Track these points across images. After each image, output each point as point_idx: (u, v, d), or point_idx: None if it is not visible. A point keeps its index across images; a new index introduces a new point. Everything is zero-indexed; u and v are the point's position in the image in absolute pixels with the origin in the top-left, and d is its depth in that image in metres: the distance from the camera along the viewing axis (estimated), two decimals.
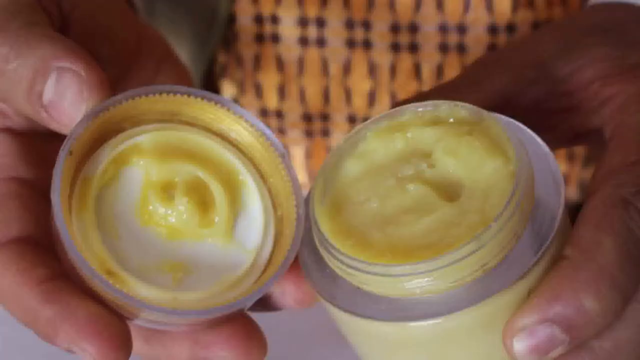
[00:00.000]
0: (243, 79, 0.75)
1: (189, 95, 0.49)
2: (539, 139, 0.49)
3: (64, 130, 0.47)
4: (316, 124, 0.75)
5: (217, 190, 0.48)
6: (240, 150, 0.50)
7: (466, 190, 0.47)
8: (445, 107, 0.49)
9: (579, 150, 0.73)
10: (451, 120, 0.49)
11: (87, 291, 0.45)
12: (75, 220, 0.46)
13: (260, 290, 0.47)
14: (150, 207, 0.48)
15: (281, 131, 0.76)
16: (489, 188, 0.47)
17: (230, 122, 0.50)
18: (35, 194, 0.48)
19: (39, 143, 0.50)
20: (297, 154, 0.77)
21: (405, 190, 0.48)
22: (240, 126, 0.50)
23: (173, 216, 0.48)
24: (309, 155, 0.77)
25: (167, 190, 0.48)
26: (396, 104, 0.54)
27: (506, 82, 0.54)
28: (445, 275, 0.45)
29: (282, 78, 0.74)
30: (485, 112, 0.49)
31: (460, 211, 0.46)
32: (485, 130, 0.48)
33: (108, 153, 0.47)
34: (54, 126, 0.47)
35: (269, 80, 0.74)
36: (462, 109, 0.49)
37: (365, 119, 0.71)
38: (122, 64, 0.54)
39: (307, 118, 0.75)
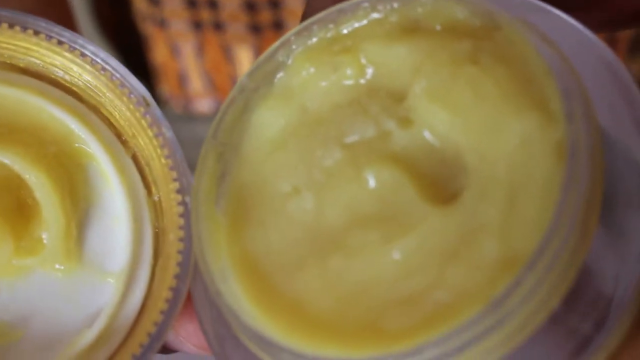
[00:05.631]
0: None
1: None
2: (606, 48, 0.27)
3: None
4: (264, 13, 0.64)
5: (38, 183, 0.32)
6: (76, 98, 0.33)
7: (471, 177, 0.25)
8: (424, 2, 0.28)
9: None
10: (438, 27, 0.28)
11: None
12: None
13: (144, 354, 0.31)
14: None
15: (218, 26, 0.65)
16: (514, 177, 0.25)
17: (47, 53, 0.33)
18: None
19: None
20: (243, 56, 0.66)
21: (359, 176, 0.26)
22: (66, 59, 0.33)
23: None
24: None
25: None
26: None
27: None
28: None
29: None
30: (501, 12, 0.27)
31: (462, 228, 0.25)
32: (504, 49, 0.26)
33: None
34: None
35: None
36: (456, 5, 0.28)
37: None
38: None
39: (251, 6, 0.64)
